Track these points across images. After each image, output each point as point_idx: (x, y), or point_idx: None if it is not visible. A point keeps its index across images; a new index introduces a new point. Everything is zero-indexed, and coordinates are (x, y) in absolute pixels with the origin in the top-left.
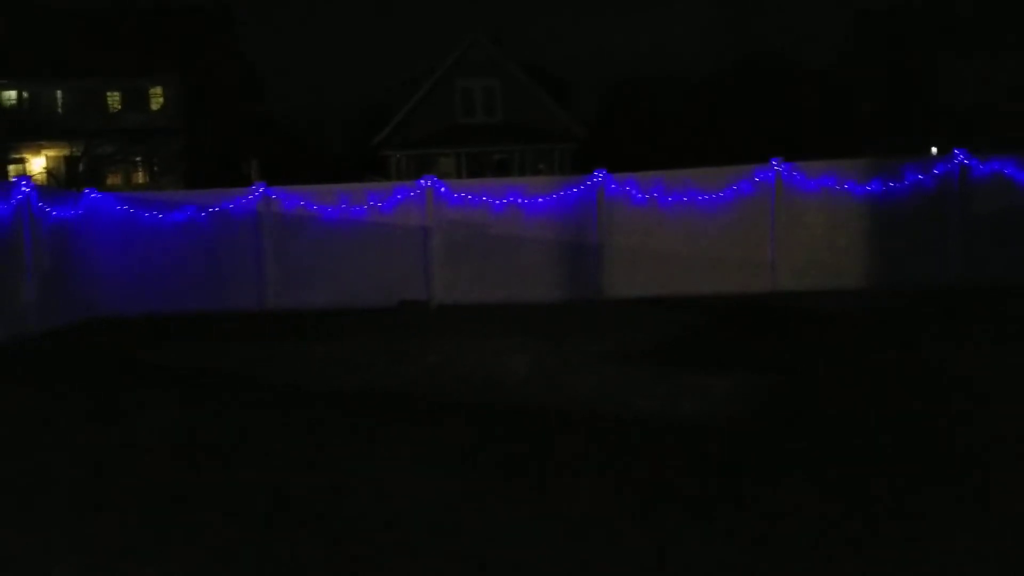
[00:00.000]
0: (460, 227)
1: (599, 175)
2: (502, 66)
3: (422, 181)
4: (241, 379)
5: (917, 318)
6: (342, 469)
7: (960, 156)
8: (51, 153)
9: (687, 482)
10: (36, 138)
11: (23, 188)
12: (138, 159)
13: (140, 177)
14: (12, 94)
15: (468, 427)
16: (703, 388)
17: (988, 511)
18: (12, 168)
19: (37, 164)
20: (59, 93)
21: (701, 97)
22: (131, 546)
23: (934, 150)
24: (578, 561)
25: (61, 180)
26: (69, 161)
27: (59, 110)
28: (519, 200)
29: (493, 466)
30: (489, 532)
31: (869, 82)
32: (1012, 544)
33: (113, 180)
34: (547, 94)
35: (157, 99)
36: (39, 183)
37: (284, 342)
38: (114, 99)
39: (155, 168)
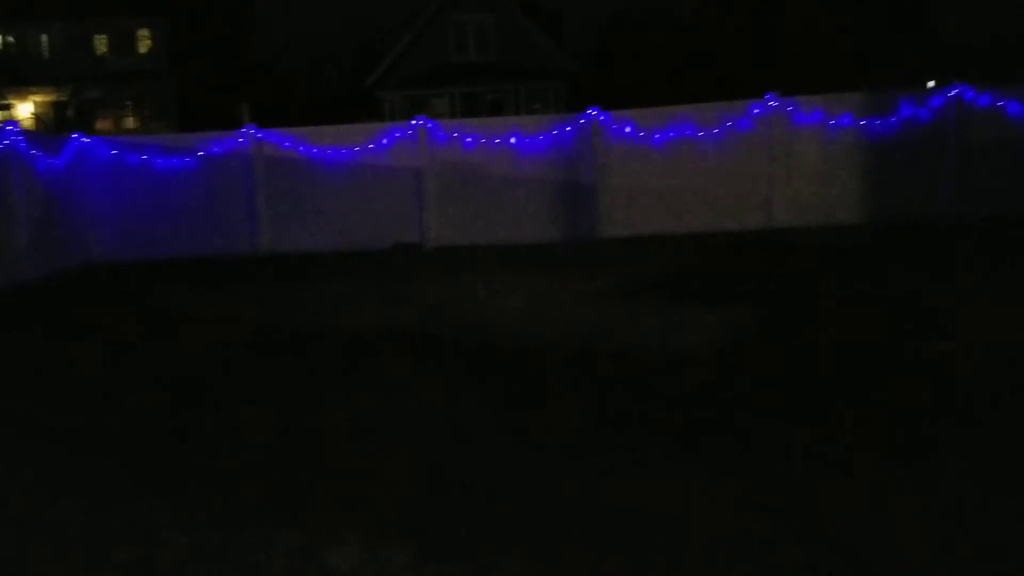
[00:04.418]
0: (453, 168)
1: (593, 113)
2: (498, 2)
3: (414, 121)
4: (239, 321)
5: (908, 253)
6: (341, 405)
7: (956, 89)
8: (38, 99)
9: (677, 412)
10: (22, 84)
11: (10, 134)
12: (128, 103)
13: (130, 122)
14: None
15: (464, 364)
16: (695, 322)
17: (951, 431)
18: None
19: (24, 110)
20: (44, 37)
21: (698, 29)
22: (139, 478)
23: (931, 84)
24: (567, 487)
25: (50, 126)
26: (57, 107)
27: (45, 55)
28: (512, 139)
29: (488, 401)
30: (482, 462)
31: (869, 14)
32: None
33: (103, 125)
34: (541, 30)
35: (145, 42)
36: (26, 129)
37: (279, 285)
38: (101, 42)
39: (146, 112)
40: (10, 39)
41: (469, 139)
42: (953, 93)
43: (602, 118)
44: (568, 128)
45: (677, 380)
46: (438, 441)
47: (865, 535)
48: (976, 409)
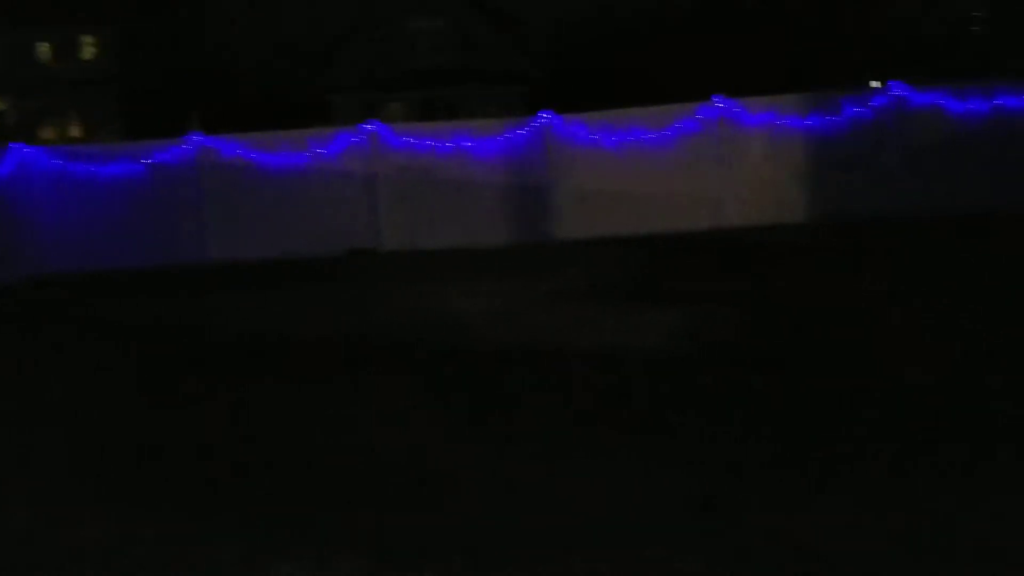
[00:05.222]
0: (407, 172)
1: (545, 116)
2: (454, 5)
3: (366, 126)
4: (193, 331)
5: (851, 252)
6: (298, 414)
7: (896, 88)
8: None
9: (630, 411)
10: None
11: None
12: (72, 112)
13: (76, 131)
14: None
15: (425, 368)
16: (650, 323)
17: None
18: None
19: None
20: None
21: (655, 34)
22: (90, 493)
23: (875, 84)
24: (526, 484)
25: None
26: None
27: None
28: (466, 143)
29: (450, 403)
30: (446, 461)
31: (817, 9)
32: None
33: (47, 135)
34: (499, 34)
35: (90, 48)
36: None
37: (232, 294)
38: (44, 50)
39: (92, 121)
40: None
41: (421, 143)
42: (893, 93)
43: (555, 121)
44: (522, 131)
45: (637, 381)
46: (396, 446)
47: (827, 535)
48: (933, 408)
